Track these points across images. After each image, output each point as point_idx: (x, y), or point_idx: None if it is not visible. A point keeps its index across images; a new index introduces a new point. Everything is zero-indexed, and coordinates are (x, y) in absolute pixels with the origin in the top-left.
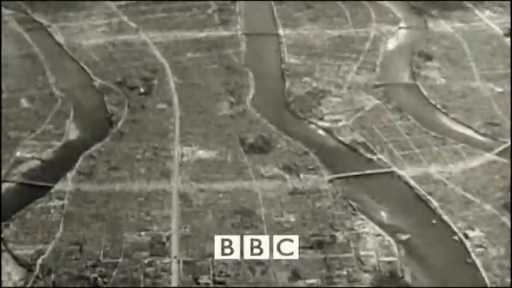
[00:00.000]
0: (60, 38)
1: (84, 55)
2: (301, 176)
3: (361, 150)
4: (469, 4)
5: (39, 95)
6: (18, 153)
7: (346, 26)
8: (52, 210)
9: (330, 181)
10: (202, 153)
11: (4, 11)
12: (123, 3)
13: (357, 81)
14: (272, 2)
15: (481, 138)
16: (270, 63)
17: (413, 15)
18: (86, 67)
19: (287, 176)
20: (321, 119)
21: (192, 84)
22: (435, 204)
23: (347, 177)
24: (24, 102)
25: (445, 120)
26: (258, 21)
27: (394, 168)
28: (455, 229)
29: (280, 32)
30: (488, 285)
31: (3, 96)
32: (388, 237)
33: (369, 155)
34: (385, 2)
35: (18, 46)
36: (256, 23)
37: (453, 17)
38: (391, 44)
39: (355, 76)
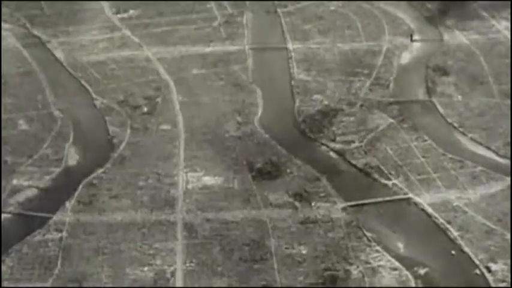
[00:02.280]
0: (60, 54)
1: (85, 72)
2: (313, 204)
3: (376, 175)
4: (485, 13)
5: (38, 116)
6: (14, 181)
7: (357, 39)
8: (50, 244)
9: (343, 209)
10: (208, 180)
11: (2, 25)
12: (125, 15)
13: (370, 98)
14: (281, 13)
15: (500, 160)
16: (279, 79)
17: (427, 27)
18: (86, 85)
19: (297, 204)
20: (333, 140)
21: (197, 102)
22: (455, 233)
23: (361, 204)
24: (22, 124)
25: (462, 140)
26: (266, 34)
27: (411, 195)
28: (476, 261)
29: (289, 46)
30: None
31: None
32: (405, 272)
33: (383, 180)
34: (398, 12)
35: (17, 63)
36: (264, 36)
37: (469, 28)
38: (405, 58)
39: (368, 93)
